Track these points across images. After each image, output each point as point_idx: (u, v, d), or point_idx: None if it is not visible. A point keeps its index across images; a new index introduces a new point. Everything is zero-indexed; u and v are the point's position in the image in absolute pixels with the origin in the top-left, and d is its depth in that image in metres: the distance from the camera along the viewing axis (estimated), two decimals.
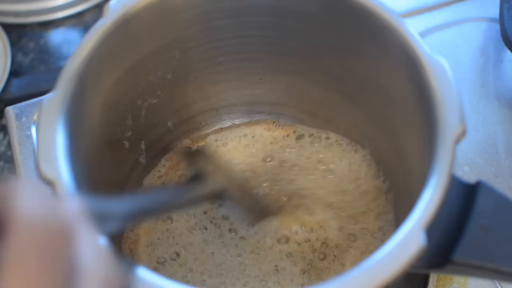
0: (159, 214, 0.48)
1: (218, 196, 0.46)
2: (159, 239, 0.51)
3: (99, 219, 0.29)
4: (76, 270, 0.24)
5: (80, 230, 0.26)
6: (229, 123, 0.57)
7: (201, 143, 0.56)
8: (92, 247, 0.26)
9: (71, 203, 0.27)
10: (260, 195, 0.52)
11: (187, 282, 0.49)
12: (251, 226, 0.51)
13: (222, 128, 0.57)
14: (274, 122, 0.56)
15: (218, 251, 0.50)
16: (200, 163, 0.46)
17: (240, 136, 0.56)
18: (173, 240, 0.51)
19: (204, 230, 0.51)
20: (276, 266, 0.49)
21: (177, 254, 0.50)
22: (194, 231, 0.51)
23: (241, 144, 0.56)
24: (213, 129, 0.57)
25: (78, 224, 0.26)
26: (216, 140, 0.56)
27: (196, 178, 0.45)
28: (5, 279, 0.22)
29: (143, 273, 0.34)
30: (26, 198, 0.24)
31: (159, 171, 0.54)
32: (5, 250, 0.23)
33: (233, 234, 0.51)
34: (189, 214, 0.52)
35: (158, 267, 0.50)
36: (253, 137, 0.56)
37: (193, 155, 0.48)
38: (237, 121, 0.57)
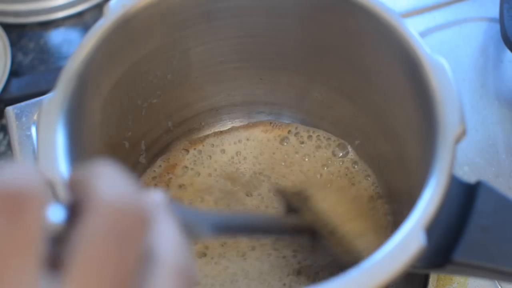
0: (244, 234, 0.48)
1: (308, 233, 0.46)
2: None
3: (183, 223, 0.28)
4: (152, 257, 0.24)
5: (161, 219, 0.25)
6: (229, 123, 0.57)
7: (199, 146, 0.56)
8: (171, 238, 0.25)
9: (156, 194, 0.26)
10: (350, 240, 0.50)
11: None
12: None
13: (221, 132, 0.56)
14: (271, 123, 0.56)
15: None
16: (297, 202, 0.46)
17: (235, 142, 0.56)
18: None
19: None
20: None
21: None
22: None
23: (233, 150, 0.56)
24: (212, 130, 0.57)
25: (159, 213, 0.25)
26: (213, 145, 0.56)
27: (290, 213, 0.46)
28: (76, 259, 0.22)
29: None
30: (107, 181, 0.24)
31: (154, 171, 0.54)
32: (79, 230, 0.23)
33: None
34: None
35: None
36: (247, 139, 0.56)
37: (291, 194, 0.48)
38: (237, 121, 0.57)
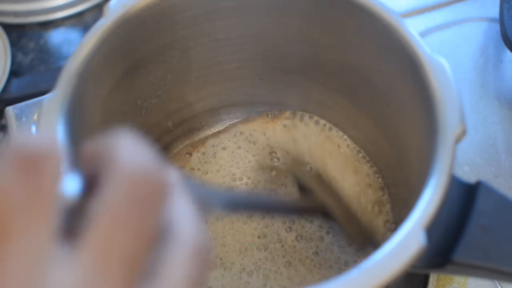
0: (256, 212, 0.47)
1: (321, 214, 0.46)
2: None
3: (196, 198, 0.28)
4: (170, 233, 0.24)
5: (178, 194, 0.25)
6: (228, 123, 0.57)
7: (201, 149, 0.56)
8: (189, 215, 0.25)
9: (173, 170, 0.26)
10: (364, 222, 0.51)
11: None
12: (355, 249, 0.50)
13: (219, 131, 0.57)
14: (268, 114, 0.56)
15: None
16: (310, 183, 0.46)
17: (234, 135, 0.56)
18: None
19: None
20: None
21: None
22: None
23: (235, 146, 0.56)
24: (212, 131, 0.57)
25: (176, 188, 0.25)
26: (213, 145, 0.56)
27: (304, 194, 0.46)
28: (92, 226, 0.21)
29: None
30: (127, 150, 0.23)
31: None
32: (97, 198, 0.22)
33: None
34: None
35: None
36: (250, 134, 0.56)
37: (304, 174, 0.49)
38: (237, 121, 0.57)
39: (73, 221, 0.22)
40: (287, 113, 0.56)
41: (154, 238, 0.23)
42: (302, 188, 0.47)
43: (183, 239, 0.24)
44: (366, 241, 0.49)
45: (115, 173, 0.22)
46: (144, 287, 0.22)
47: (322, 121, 0.55)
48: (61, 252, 0.21)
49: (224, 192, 0.36)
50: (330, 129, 0.55)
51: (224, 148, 0.56)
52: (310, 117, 0.55)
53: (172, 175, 0.25)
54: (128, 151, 0.23)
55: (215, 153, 0.55)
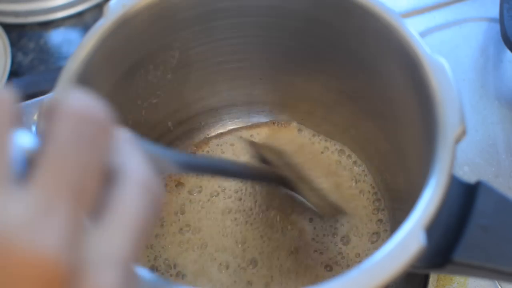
0: (212, 173, 0.46)
1: (282, 183, 0.46)
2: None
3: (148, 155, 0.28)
4: (118, 171, 0.24)
5: (126, 139, 0.26)
6: (229, 123, 0.57)
7: (205, 148, 0.56)
8: (136, 156, 0.25)
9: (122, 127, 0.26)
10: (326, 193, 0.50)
11: None
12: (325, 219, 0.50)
13: (222, 133, 0.57)
14: (274, 122, 0.56)
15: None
16: (268, 155, 0.46)
17: (240, 137, 0.56)
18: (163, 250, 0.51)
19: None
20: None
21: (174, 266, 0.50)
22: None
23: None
24: (212, 130, 0.57)
25: (124, 136, 0.26)
26: (217, 144, 0.56)
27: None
28: (41, 166, 0.22)
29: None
30: (74, 97, 0.24)
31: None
32: (48, 140, 0.23)
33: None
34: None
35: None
36: (251, 135, 0.56)
37: (264, 148, 0.48)
38: (237, 121, 0.57)
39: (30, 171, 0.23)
40: (294, 124, 0.56)
41: (102, 174, 0.23)
42: (263, 161, 0.47)
43: (132, 176, 0.24)
44: (334, 211, 0.49)
45: (60, 116, 0.23)
46: (95, 221, 0.23)
47: (329, 140, 0.55)
48: (15, 190, 0.22)
49: (178, 153, 0.36)
50: (339, 150, 0.55)
51: (232, 145, 0.56)
52: (312, 133, 0.56)
53: (121, 128, 0.26)
54: (74, 99, 0.24)
55: (222, 150, 0.55)
